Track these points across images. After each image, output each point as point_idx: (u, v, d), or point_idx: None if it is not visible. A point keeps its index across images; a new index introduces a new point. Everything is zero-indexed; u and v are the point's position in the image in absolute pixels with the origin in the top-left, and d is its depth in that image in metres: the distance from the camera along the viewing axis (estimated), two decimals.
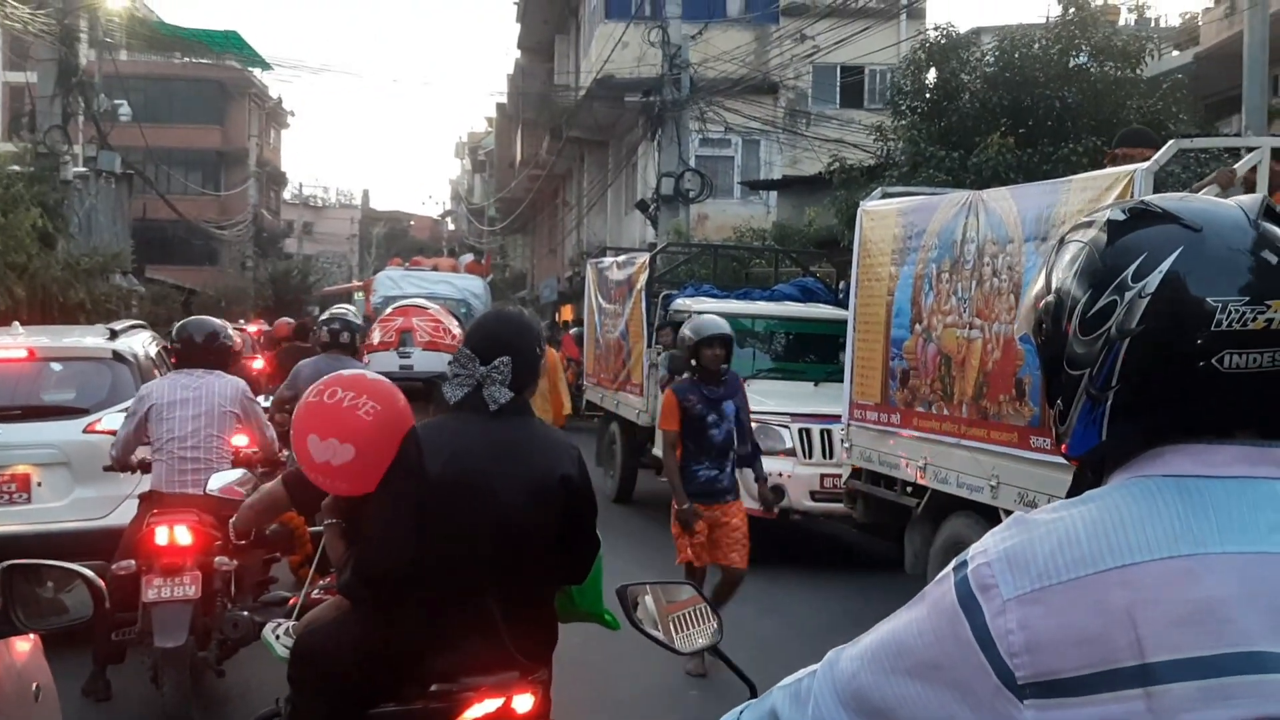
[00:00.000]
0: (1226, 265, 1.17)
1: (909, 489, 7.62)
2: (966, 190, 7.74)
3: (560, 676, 3.15)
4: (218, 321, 6.12)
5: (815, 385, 10.50)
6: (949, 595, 1.19)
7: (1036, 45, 12.00)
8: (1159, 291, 1.18)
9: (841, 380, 10.84)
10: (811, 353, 11.47)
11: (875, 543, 10.39)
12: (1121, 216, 1.24)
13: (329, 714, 2.99)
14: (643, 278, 12.37)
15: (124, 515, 5.91)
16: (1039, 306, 1.30)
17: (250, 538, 4.14)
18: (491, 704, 2.83)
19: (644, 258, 13.05)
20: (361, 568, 2.92)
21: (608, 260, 14.91)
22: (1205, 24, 22.65)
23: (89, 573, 2.55)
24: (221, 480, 4.64)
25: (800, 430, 9.55)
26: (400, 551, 2.85)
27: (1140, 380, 1.20)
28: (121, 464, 5.72)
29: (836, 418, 9.46)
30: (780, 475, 9.26)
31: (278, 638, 3.31)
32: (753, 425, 10.12)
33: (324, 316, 7.97)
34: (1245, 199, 1.25)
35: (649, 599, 2.05)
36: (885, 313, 7.91)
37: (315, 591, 3.43)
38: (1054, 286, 1.27)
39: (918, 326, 7.48)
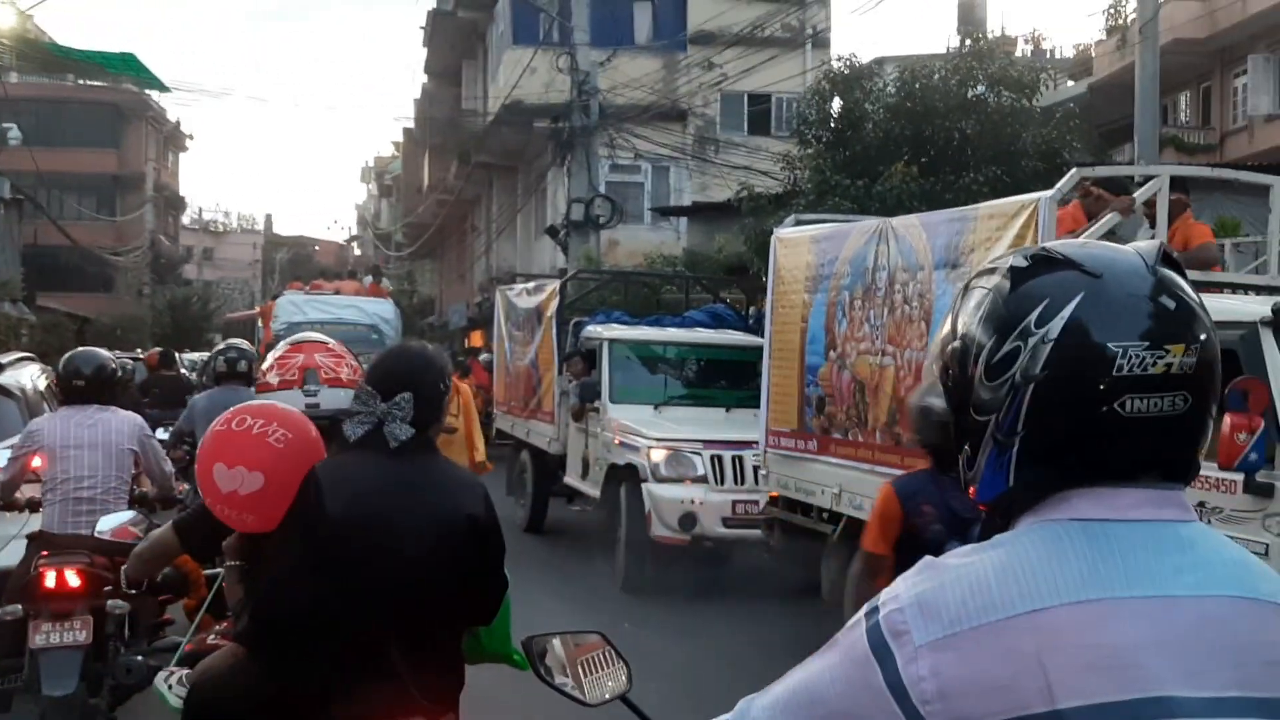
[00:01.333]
0: (1126, 311, 1.19)
1: (825, 516, 7.61)
2: (878, 218, 7.83)
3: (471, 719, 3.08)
4: (105, 353, 5.92)
5: (727, 412, 10.52)
6: (861, 642, 1.19)
7: (936, 76, 12.26)
8: (1061, 337, 1.19)
9: (753, 406, 10.88)
10: (723, 379, 11.50)
11: (787, 569, 10.43)
12: (1024, 263, 1.25)
13: None
14: (553, 305, 12.34)
15: (10, 557, 5.67)
16: (945, 352, 1.30)
17: (143, 586, 4.00)
18: None
19: (554, 285, 13.03)
20: (258, 613, 2.83)
21: (517, 287, 14.84)
22: (1098, 55, 23.44)
23: None
24: (112, 522, 4.47)
25: (712, 457, 9.54)
26: (297, 596, 2.76)
27: (1045, 425, 1.21)
28: (6, 502, 5.49)
29: (748, 444, 9.48)
30: (692, 502, 9.31)
31: (170, 687, 3.19)
32: (670, 452, 9.93)
33: (219, 346, 7.69)
34: (1143, 245, 1.27)
35: (556, 645, 2.01)
36: (800, 339, 7.94)
37: (211, 637, 3.31)
38: (959, 332, 1.28)
39: (832, 353, 7.52)
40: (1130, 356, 1.17)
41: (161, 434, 6.47)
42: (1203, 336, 1.20)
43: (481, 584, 2.96)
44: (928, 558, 1.24)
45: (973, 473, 1.29)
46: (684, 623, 8.62)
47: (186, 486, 5.80)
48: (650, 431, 9.83)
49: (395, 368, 2.95)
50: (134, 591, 4.38)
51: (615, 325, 11.72)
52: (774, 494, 8.35)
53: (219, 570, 3.34)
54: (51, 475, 5.28)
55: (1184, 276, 1.24)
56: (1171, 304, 1.20)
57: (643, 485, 9.51)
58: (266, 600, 2.83)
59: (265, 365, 3.33)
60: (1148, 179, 6.45)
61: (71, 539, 5.10)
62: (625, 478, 9.89)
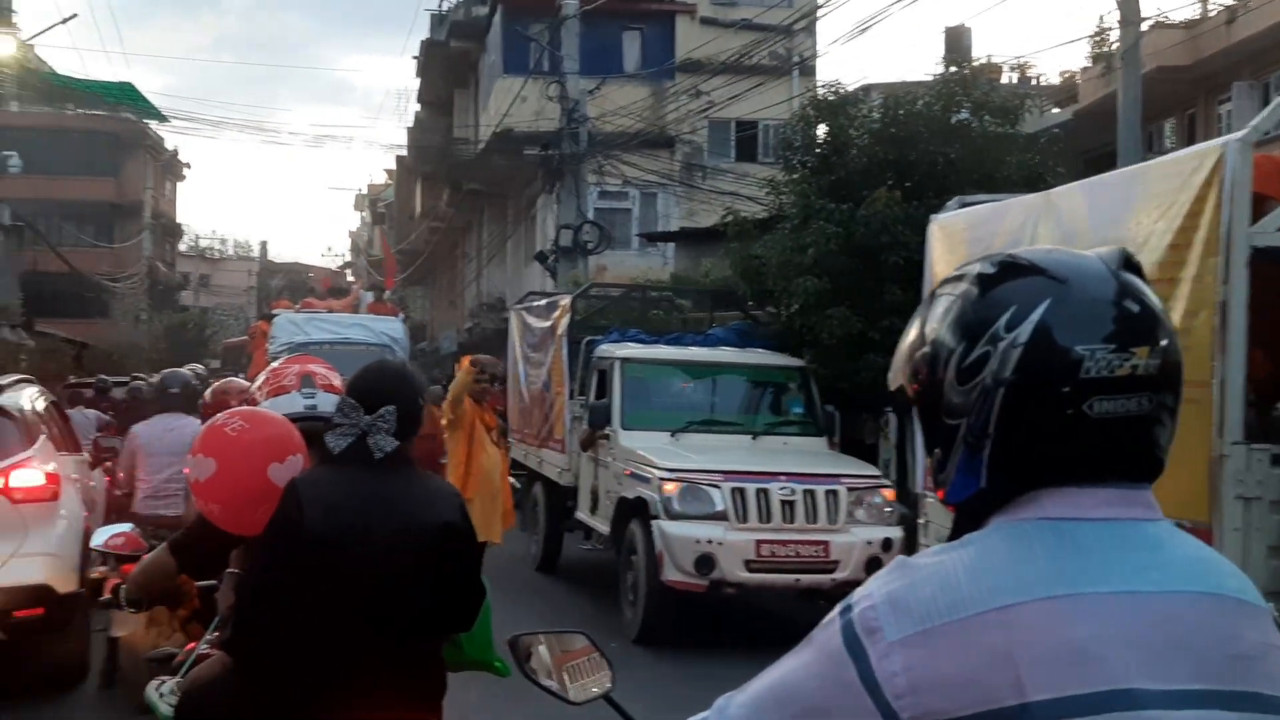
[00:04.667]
0: (1092, 315, 1.22)
1: None
2: (1042, 193, 6.86)
3: None
4: (187, 372, 7.18)
5: (754, 439, 9.57)
6: (835, 639, 1.21)
7: (920, 102, 12.33)
8: (1030, 341, 1.22)
9: (784, 434, 9.72)
10: (750, 403, 10.40)
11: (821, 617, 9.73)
12: (991, 270, 1.28)
13: None
14: (564, 323, 11.29)
15: None
16: (915, 358, 1.33)
17: (142, 607, 4.05)
18: None
19: (566, 300, 11.86)
20: (240, 622, 2.88)
21: (533, 305, 13.29)
22: (1083, 82, 23.59)
23: None
24: (107, 533, 4.51)
25: (733, 490, 8.39)
26: (277, 605, 2.81)
27: (1015, 427, 1.23)
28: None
29: (775, 475, 8.56)
30: (709, 543, 8.21)
31: (161, 696, 3.21)
32: (684, 485, 8.45)
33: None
34: (1105, 251, 1.31)
35: (543, 649, 2.03)
36: None
37: (202, 646, 3.34)
38: (929, 338, 1.30)
39: None
40: (1097, 359, 1.20)
41: None
42: (1164, 340, 1.23)
43: (460, 591, 3.00)
44: (900, 557, 1.27)
45: (944, 475, 1.31)
46: (699, 666, 7.79)
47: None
48: (662, 461, 8.73)
49: (377, 382, 3.00)
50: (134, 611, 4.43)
51: (630, 344, 10.61)
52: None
53: (212, 581, 3.37)
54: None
55: (1145, 280, 1.27)
56: (1135, 308, 1.23)
57: (653, 522, 8.40)
58: (247, 609, 2.87)
59: (257, 384, 3.36)
60: None
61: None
62: (636, 513, 8.78)
